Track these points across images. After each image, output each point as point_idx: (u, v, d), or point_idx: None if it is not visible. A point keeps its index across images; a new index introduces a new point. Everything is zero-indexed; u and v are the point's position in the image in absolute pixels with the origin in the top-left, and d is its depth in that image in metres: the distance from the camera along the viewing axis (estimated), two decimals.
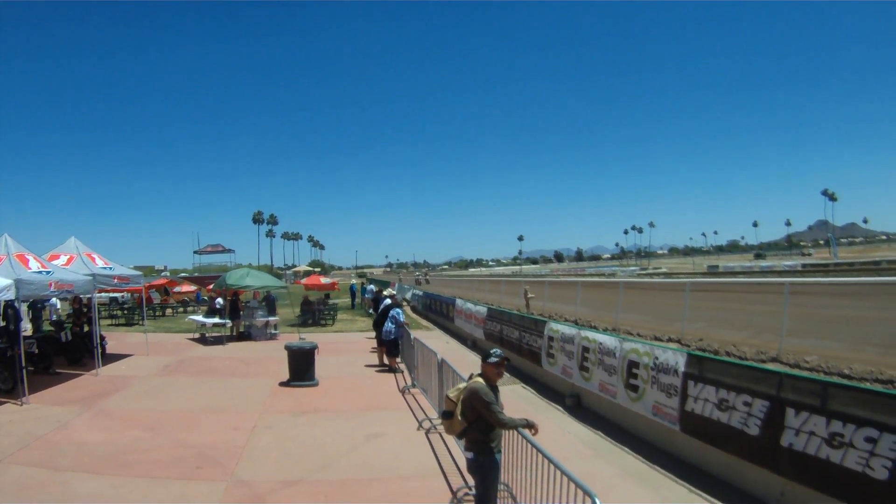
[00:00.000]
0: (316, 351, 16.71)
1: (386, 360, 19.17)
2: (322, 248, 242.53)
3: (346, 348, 23.80)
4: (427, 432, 11.71)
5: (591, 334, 13.91)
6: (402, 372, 18.10)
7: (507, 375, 16.88)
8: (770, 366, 9.11)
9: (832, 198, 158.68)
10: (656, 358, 10.93)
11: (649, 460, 10.32)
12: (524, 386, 16.85)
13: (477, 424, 6.74)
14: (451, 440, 10.48)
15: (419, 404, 13.99)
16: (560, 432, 12.07)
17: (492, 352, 7.08)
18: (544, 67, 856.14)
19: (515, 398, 14.89)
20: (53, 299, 25.41)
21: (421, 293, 43.97)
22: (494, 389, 6.91)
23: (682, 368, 10.15)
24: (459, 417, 6.82)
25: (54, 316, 28.04)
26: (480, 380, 6.88)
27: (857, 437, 6.91)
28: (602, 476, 9.44)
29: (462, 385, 7.11)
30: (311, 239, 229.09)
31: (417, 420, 12.59)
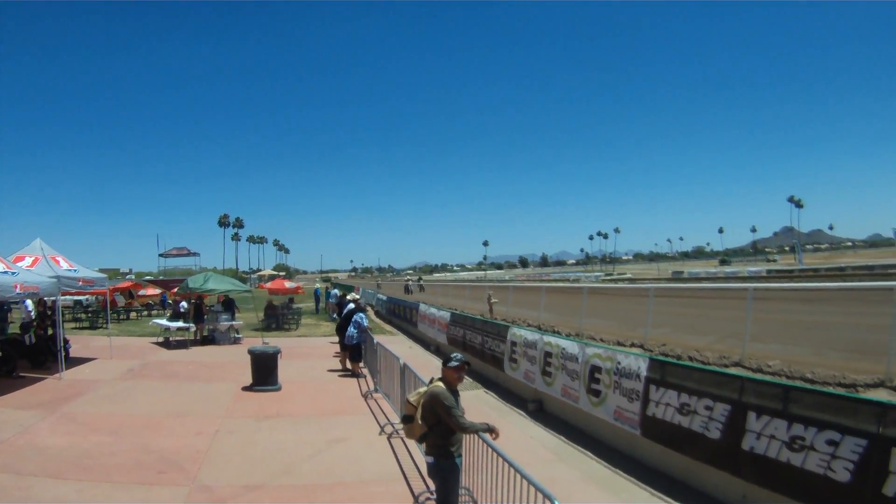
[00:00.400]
0: (279, 355, 16.54)
1: (349, 365, 19.03)
2: (287, 251, 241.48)
3: (309, 353, 23.59)
4: (389, 437, 11.68)
5: (553, 339, 13.87)
6: (365, 377, 17.99)
7: (469, 380, 16.96)
8: (733, 370, 9.13)
9: (798, 204, 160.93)
10: (618, 363, 10.93)
11: (611, 464, 10.33)
12: (487, 391, 16.79)
13: (437, 428, 6.73)
14: (413, 445, 10.37)
15: (381, 409, 13.90)
16: (522, 437, 12.06)
17: (452, 356, 7.11)
18: (507, 71, 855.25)
19: (478, 403, 14.77)
20: (28, 301, 24.91)
21: (385, 298, 43.70)
22: (455, 393, 6.91)
23: (643, 373, 10.16)
24: (420, 421, 6.81)
25: (26, 317, 27.48)
26: (441, 384, 6.87)
27: (819, 440, 6.93)
28: (564, 480, 9.45)
29: (422, 389, 7.12)
30: (276, 243, 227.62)
31: (380, 425, 12.53)
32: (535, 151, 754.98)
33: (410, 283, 58.63)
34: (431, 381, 7.09)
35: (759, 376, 8.81)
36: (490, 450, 6.77)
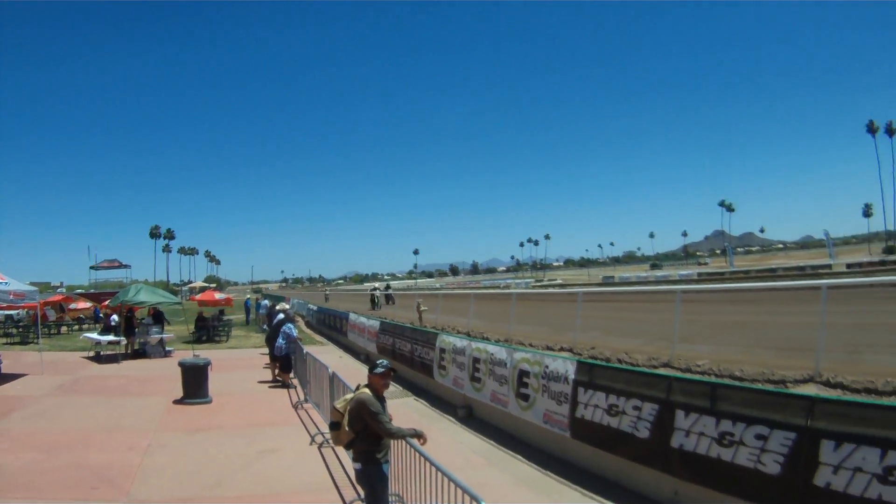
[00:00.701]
0: (209, 367, 16.20)
1: (279, 376, 18.79)
2: (218, 263, 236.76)
3: (239, 364, 23.15)
4: (320, 447, 11.59)
5: (482, 345, 13.86)
6: (295, 387, 17.76)
7: (399, 388, 16.95)
8: (662, 371, 9.17)
9: (729, 209, 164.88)
10: (546, 367, 10.95)
11: (542, 467, 10.34)
12: (417, 399, 16.69)
13: (364, 435, 6.77)
14: (343, 454, 10.22)
15: (312, 419, 13.75)
16: (452, 443, 12.05)
17: (378, 362, 7.14)
18: (433, 78, 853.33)
19: (408, 411, 14.70)
20: None
21: (315, 308, 43.24)
22: (381, 400, 6.95)
23: (571, 376, 10.21)
24: (347, 428, 6.85)
25: None
26: (367, 390, 6.91)
27: (748, 434, 7.07)
28: (495, 484, 9.50)
29: (349, 396, 7.13)
30: (207, 254, 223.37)
31: (310, 435, 12.39)
32: (465, 159, 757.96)
33: (378, 292, 44.18)
34: (358, 388, 7.08)
35: (686, 375, 8.85)
36: (419, 455, 6.76)
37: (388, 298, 41.41)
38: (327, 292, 55.07)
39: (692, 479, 7.82)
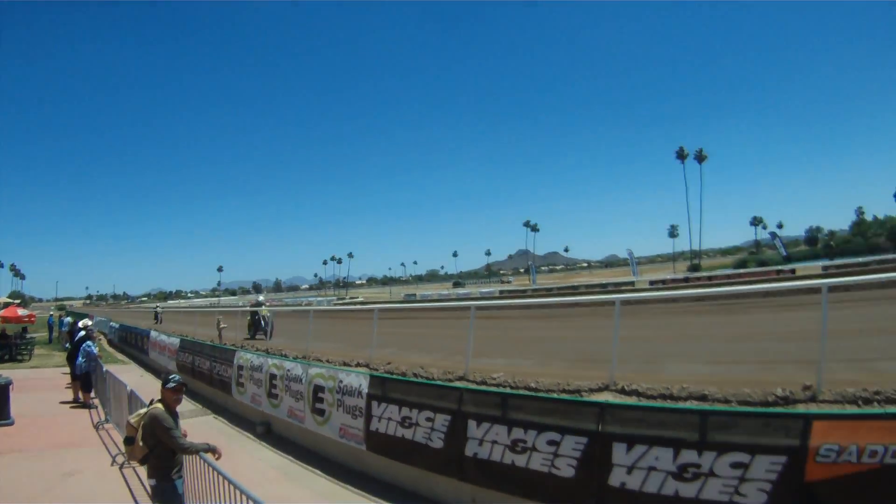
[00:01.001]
0: (11, 387, 15.35)
1: (81, 396, 17.85)
2: (23, 278, 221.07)
3: (42, 384, 21.88)
4: (121, 467, 11.22)
5: (278, 361, 13.76)
6: (97, 407, 16.95)
7: (199, 407, 16.82)
8: (459, 384, 9.24)
9: (534, 228, 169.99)
10: (340, 381, 11.03)
11: (341, 481, 10.34)
12: (216, 416, 16.27)
13: (157, 450, 6.76)
14: (144, 474, 9.69)
15: (113, 439, 13.24)
16: (251, 459, 11.91)
17: (170, 377, 7.17)
18: (226, 97, 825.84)
19: (207, 429, 14.22)
20: None
21: (117, 325, 41.23)
22: (174, 415, 7.01)
23: (365, 390, 10.33)
24: (140, 443, 6.79)
25: None
26: (160, 405, 6.92)
27: (540, 441, 7.36)
28: (294, 499, 9.60)
29: (143, 411, 7.07)
30: (13, 268, 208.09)
31: (111, 455, 12.05)
32: (269, 175, 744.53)
33: (159, 309, 46.93)
34: (151, 403, 7.06)
35: (478, 387, 9.01)
36: (214, 471, 6.60)
37: (157, 317, 43.20)
38: (158, 310, 47.30)
39: (489, 486, 8.01)
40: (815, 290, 7.63)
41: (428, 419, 8.86)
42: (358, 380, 10.58)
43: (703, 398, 6.90)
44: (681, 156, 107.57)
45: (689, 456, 6.11)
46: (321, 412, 11.48)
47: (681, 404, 6.87)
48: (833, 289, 7.70)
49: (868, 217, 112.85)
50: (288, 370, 12.96)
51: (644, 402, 7.21)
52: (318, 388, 11.62)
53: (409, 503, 9.12)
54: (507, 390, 8.50)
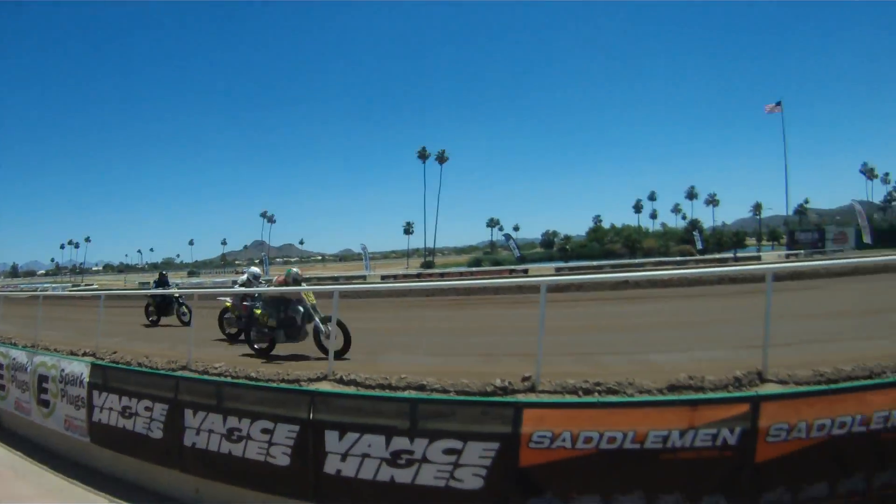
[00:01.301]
0: None
1: None
2: None
3: None
4: None
5: (4, 350, 13.02)
6: None
7: None
8: (181, 373, 9.14)
9: (270, 220, 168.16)
10: (63, 370, 10.61)
11: (69, 476, 9.94)
12: None
13: None
14: None
15: None
16: None
17: None
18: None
19: None
20: None
21: None
22: None
23: (86, 379, 10.00)
24: None
25: None
26: None
27: (254, 430, 7.46)
28: (21, 496, 9.25)
29: None
30: None
31: None
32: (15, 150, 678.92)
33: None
34: None
35: (193, 375, 8.96)
36: None
37: None
38: None
39: (210, 476, 8.04)
40: (535, 289, 7.74)
41: (147, 409, 8.75)
42: (80, 368, 10.25)
43: (421, 388, 7.14)
44: (422, 156, 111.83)
45: (401, 443, 6.44)
46: (46, 403, 11.00)
47: (398, 394, 7.13)
48: (559, 288, 8.25)
49: (605, 225, 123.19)
50: (14, 358, 12.31)
51: (348, 390, 7.46)
52: (43, 378, 11.12)
53: (135, 496, 8.94)
54: (227, 379, 8.51)
